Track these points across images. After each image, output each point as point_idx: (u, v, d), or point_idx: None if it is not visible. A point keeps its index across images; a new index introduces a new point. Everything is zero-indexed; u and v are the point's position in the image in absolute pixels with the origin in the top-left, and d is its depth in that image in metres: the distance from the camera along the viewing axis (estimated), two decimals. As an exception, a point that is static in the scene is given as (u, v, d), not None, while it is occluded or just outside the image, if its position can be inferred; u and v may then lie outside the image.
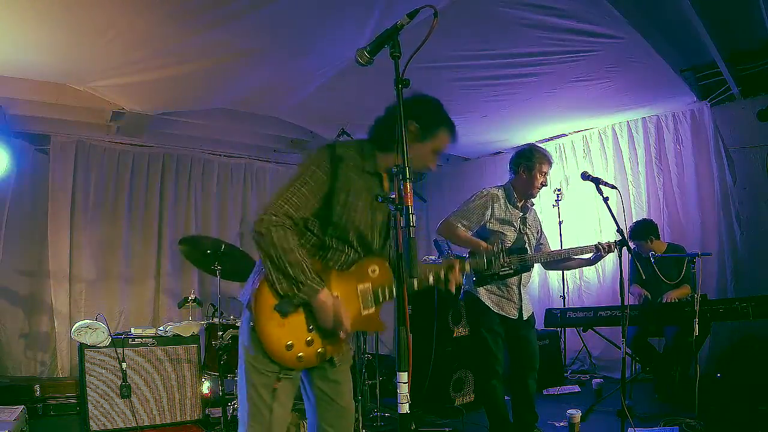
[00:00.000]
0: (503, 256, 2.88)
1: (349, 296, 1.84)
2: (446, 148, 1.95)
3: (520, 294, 3.19)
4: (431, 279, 2.01)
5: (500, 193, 3.25)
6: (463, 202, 3.27)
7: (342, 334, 1.75)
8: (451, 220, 3.18)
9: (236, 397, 3.00)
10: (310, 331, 1.77)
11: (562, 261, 3.35)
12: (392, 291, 1.85)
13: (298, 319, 1.76)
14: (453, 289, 2.02)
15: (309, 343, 1.77)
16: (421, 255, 5.43)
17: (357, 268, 1.87)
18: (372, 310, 1.87)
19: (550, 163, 3.22)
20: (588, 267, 5.55)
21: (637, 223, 4.56)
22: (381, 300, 1.88)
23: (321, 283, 1.73)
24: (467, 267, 2.23)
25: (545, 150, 3.29)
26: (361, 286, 1.86)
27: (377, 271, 1.88)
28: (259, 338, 1.72)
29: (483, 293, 3.17)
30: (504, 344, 3.20)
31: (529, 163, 3.20)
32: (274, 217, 1.70)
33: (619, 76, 4.19)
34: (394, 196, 1.69)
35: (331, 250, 1.83)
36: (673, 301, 4.06)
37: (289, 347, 1.74)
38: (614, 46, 3.58)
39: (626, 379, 3.20)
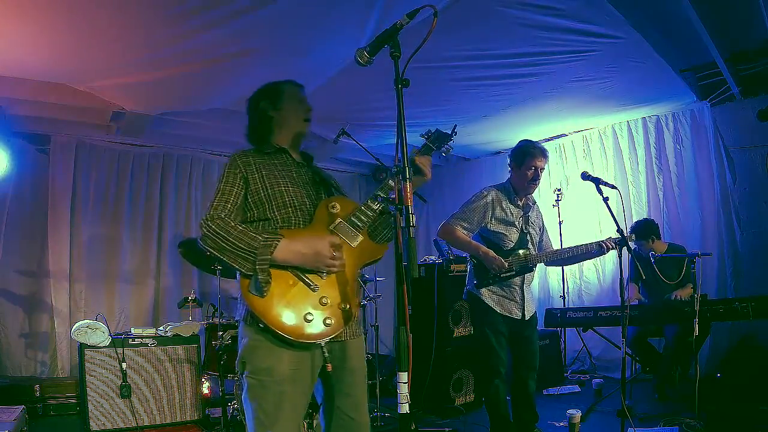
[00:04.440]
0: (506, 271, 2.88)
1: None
2: (300, 96, 2.02)
3: (522, 294, 3.16)
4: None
5: (501, 192, 3.21)
6: (464, 203, 3.23)
7: (329, 258, 1.68)
8: (451, 223, 3.15)
9: (236, 397, 2.94)
10: (314, 290, 1.71)
11: (565, 259, 3.34)
12: (364, 209, 1.79)
13: (297, 289, 1.70)
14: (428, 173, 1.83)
15: (323, 301, 1.71)
16: (420, 255, 5.42)
17: (317, 217, 1.82)
18: (361, 238, 1.81)
19: (540, 157, 3.12)
20: (588, 267, 5.61)
21: (639, 222, 4.56)
22: (361, 225, 1.79)
23: (276, 236, 1.67)
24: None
25: (536, 144, 3.22)
26: (332, 226, 1.79)
27: (337, 206, 1.83)
28: (272, 331, 1.65)
29: (485, 293, 3.14)
30: (507, 344, 3.17)
31: (518, 159, 3.18)
32: (210, 219, 1.72)
33: (619, 76, 4.18)
34: (393, 196, 1.69)
35: (278, 221, 1.80)
36: (683, 299, 4.07)
37: (309, 318, 1.67)
38: (614, 46, 3.57)
39: (626, 379, 3.19)
